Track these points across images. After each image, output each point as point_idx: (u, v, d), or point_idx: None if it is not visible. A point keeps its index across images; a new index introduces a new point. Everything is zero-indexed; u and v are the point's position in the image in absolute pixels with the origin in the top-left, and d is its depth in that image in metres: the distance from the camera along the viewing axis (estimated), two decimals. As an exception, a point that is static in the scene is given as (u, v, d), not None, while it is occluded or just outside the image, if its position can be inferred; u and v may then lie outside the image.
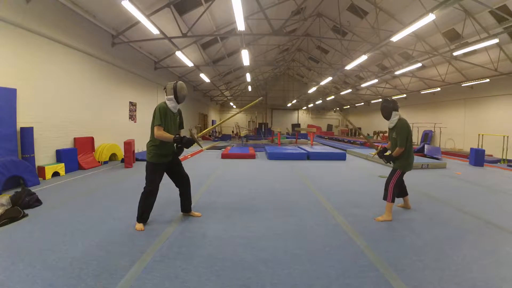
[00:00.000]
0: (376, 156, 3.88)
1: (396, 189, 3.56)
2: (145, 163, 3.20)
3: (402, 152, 3.51)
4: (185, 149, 3.25)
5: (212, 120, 28.51)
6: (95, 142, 7.73)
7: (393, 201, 3.53)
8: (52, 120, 6.27)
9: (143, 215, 3.12)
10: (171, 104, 3.15)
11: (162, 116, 3.03)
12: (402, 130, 3.49)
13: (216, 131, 26.57)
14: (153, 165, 3.12)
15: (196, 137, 3.07)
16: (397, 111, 3.59)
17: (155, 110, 3.06)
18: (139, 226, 3.06)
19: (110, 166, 7.49)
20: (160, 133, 2.98)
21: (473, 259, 2.50)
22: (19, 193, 3.67)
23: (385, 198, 3.58)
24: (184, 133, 3.42)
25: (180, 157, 3.45)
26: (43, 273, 2.13)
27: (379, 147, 3.85)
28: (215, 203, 4.14)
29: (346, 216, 3.64)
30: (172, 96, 3.13)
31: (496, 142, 11.28)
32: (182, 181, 3.40)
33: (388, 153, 3.80)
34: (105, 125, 8.46)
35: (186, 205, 3.50)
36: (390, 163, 3.70)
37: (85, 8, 6.98)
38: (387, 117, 3.63)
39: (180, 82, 3.19)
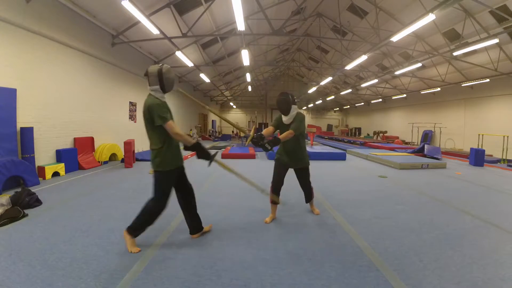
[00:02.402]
0: (254, 144, 3.00)
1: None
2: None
3: (290, 137, 3.09)
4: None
5: (212, 120, 28.52)
6: (95, 142, 7.73)
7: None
8: (52, 120, 6.27)
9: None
10: (158, 95, 2.53)
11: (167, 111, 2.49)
12: (301, 121, 3.22)
13: (216, 131, 26.60)
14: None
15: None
16: (295, 105, 3.28)
17: (149, 108, 2.47)
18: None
19: (110, 166, 7.49)
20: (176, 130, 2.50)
21: (473, 259, 2.50)
22: (19, 193, 3.67)
23: (311, 198, 3.70)
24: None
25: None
26: (43, 273, 2.12)
27: (251, 133, 3.06)
28: (214, 203, 4.13)
29: (346, 216, 3.64)
30: (158, 86, 2.47)
31: (496, 142, 11.29)
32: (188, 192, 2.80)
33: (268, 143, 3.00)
34: (105, 125, 8.46)
35: (195, 224, 2.85)
36: (270, 149, 2.99)
37: (85, 8, 6.99)
38: (287, 110, 3.22)
39: (165, 65, 2.55)
